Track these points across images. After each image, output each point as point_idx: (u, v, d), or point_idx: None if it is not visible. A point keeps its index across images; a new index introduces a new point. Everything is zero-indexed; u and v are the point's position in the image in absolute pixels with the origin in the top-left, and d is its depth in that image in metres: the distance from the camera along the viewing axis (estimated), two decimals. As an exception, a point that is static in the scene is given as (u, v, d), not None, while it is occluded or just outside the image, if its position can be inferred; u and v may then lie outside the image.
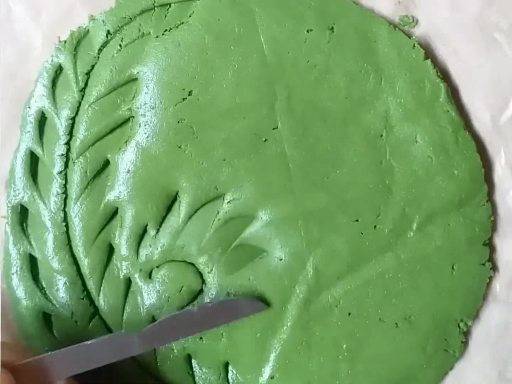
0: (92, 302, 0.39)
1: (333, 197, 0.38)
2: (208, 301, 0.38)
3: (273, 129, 0.39)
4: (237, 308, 0.37)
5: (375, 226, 0.38)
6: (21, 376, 0.33)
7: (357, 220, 0.38)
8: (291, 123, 0.38)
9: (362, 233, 0.38)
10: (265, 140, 0.39)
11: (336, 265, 0.38)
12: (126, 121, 0.40)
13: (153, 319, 0.39)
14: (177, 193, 0.39)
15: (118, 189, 0.39)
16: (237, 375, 0.39)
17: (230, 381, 0.39)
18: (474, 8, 0.39)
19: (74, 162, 0.39)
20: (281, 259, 0.38)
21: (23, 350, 0.37)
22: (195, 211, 0.39)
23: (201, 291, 0.39)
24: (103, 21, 0.40)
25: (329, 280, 0.38)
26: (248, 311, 0.37)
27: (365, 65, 0.38)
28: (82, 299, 0.39)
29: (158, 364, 0.39)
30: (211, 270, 0.39)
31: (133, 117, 0.40)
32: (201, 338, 0.38)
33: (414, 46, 0.38)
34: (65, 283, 0.39)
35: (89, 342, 0.35)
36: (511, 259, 0.38)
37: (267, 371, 0.38)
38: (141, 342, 0.35)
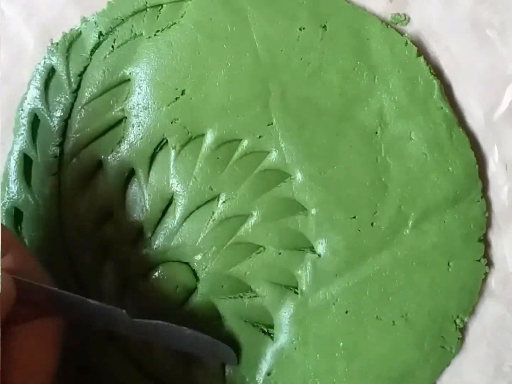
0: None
1: (330, 193, 0.38)
2: (193, 330, 0.37)
3: (268, 125, 0.38)
4: (217, 352, 0.37)
5: (372, 223, 0.38)
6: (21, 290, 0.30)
7: (354, 217, 0.38)
8: (286, 119, 0.38)
9: (359, 230, 0.38)
10: (260, 137, 0.39)
11: (334, 262, 0.38)
12: (118, 122, 0.40)
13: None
14: (172, 195, 0.39)
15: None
16: (233, 372, 0.38)
17: (227, 378, 0.38)
18: (466, 5, 0.39)
19: (67, 164, 0.39)
20: (279, 253, 0.38)
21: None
22: (190, 213, 0.39)
23: (195, 288, 0.39)
24: (95, 23, 0.40)
25: (326, 277, 0.38)
26: (219, 359, 0.38)
27: (358, 62, 0.38)
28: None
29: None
30: (205, 267, 0.39)
31: (126, 118, 0.39)
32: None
33: (406, 43, 0.38)
34: (60, 285, 0.39)
35: (90, 300, 0.34)
36: (506, 254, 0.38)
37: (264, 367, 0.38)
38: (130, 325, 0.35)
